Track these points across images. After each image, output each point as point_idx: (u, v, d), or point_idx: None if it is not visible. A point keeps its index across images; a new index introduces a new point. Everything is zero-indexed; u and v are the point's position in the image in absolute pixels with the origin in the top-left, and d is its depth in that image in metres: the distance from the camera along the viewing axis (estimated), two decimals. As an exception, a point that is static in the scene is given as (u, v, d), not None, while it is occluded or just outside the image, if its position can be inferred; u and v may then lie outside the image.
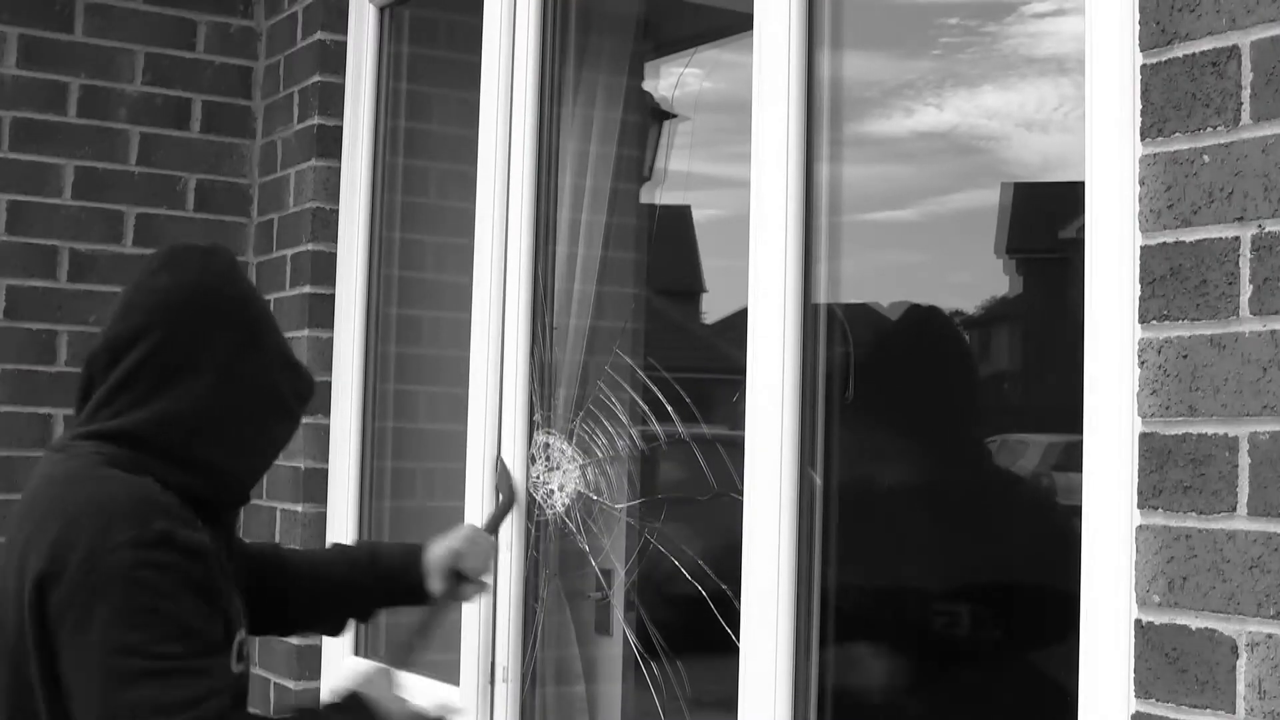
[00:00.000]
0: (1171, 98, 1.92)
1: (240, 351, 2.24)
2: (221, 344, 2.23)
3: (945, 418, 3.15)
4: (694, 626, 2.94)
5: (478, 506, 3.35)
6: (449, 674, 3.39)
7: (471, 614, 3.33)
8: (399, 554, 2.76)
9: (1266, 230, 1.80)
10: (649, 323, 3.61)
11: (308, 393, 2.40)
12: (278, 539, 4.11)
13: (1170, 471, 1.89)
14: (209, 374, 2.21)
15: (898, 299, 3.05)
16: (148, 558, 2.05)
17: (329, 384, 4.05)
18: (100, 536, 2.06)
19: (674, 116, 3.61)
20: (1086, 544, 2.02)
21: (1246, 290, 1.82)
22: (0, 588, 2.16)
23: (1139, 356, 1.94)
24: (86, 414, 2.26)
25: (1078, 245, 2.07)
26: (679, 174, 3.64)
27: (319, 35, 4.12)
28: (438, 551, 2.75)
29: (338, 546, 2.95)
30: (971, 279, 3.10)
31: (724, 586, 2.81)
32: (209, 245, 2.40)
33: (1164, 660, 1.87)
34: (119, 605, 2.02)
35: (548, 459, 3.29)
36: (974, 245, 3.03)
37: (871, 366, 2.76)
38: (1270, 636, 1.76)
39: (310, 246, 4.09)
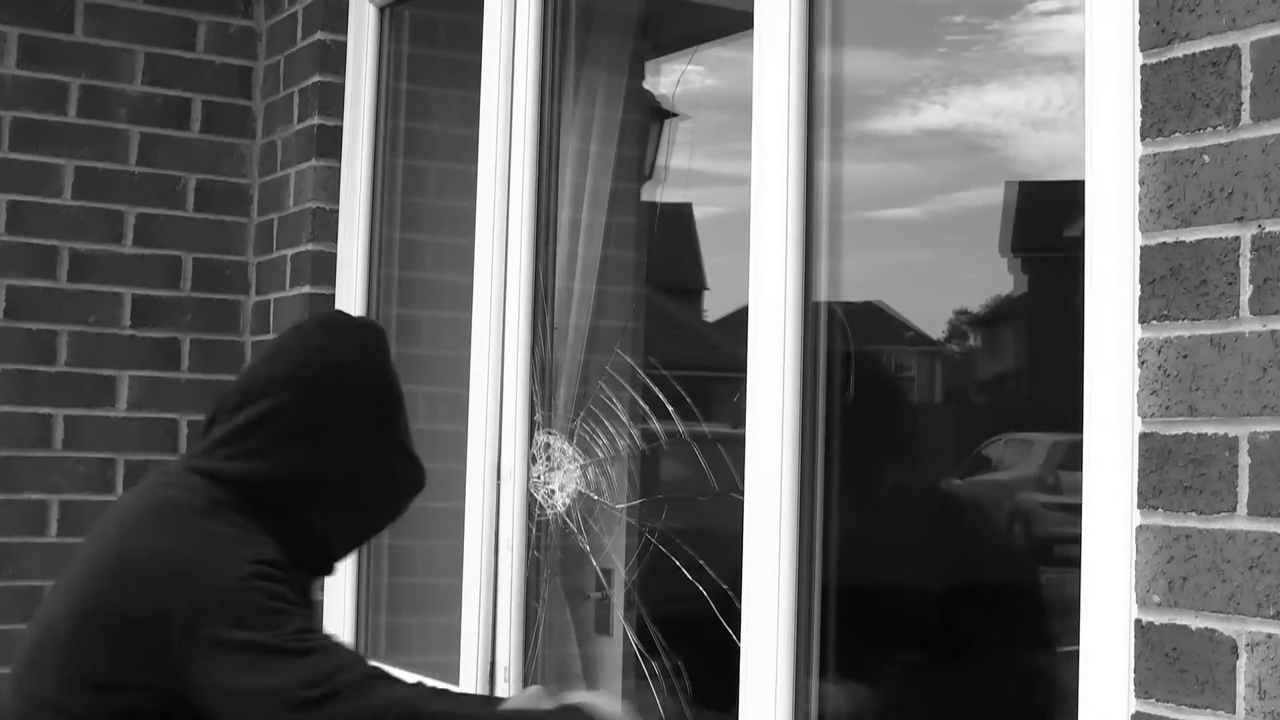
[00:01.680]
0: (1171, 98, 1.92)
1: (368, 432, 2.28)
2: (352, 420, 2.26)
3: (944, 419, 3.15)
4: (694, 626, 2.93)
5: (478, 507, 3.35)
6: (449, 674, 3.39)
7: (472, 613, 3.33)
8: None
9: (1266, 230, 1.80)
10: (649, 322, 3.61)
11: (420, 486, 2.42)
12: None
13: (1170, 471, 1.88)
14: (332, 445, 2.25)
15: (900, 297, 3.05)
16: (262, 571, 2.11)
17: (330, 384, 4.05)
18: (215, 566, 2.10)
19: (675, 115, 3.61)
20: (1086, 544, 2.01)
21: (1246, 290, 1.81)
22: (72, 588, 2.19)
23: (1139, 356, 1.94)
24: (204, 449, 2.28)
25: (1082, 244, 2.07)
26: (680, 172, 3.64)
27: (319, 35, 4.12)
28: None
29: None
30: (976, 277, 3.10)
31: (724, 586, 2.81)
32: (368, 321, 2.47)
33: (1164, 660, 1.87)
34: (244, 613, 2.06)
35: (548, 459, 3.28)
36: (979, 243, 3.03)
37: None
38: (1270, 636, 1.75)
39: (310, 246, 4.09)
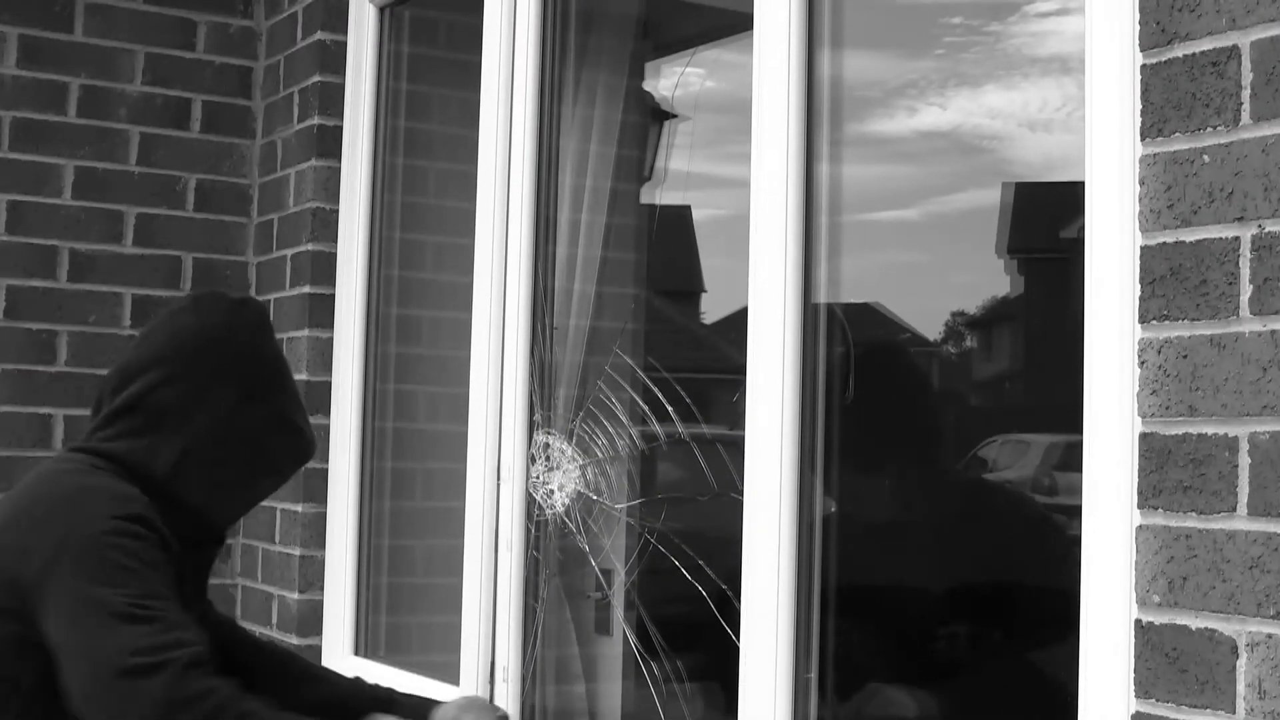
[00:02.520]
0: (1171, 98, 1.92)
1: (238, 406, 2.32)
2: (221, 395, 2.31)
3: (944, 419, 3.15)
4: (694, 626, 2.94)
5: (478, 507, 3.35)
6: (449, 674, 3.40)
7: (472, 613, 3.33)
8: (414, 706, 2.62)
9: (1266, 230, 1.80)
10: (649, 323, 3.61)
11: (304, 457, 2.46)
12: (277, 539, 4.11)
13: (1170, 471, 1.89)
14: (201, 421, 2.30)
15: (898, 299, 3.05)
16: (124, 528, 2.15)
17: (329, 384, 4.05)
18: (79, 513, 2.17)
19: (674, 116, 3.61)
20: (1086, 544, 2.01)
21: (1246, 290, 1.81)
22: None
23: (1139, 356, 1.94)
24: (88, 432, 2.36)
25: (1079, 245, 2.07)
26: (679, 174, 3.64)
27: (319, 35, 4.12)
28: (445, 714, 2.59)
29: (358, 679, 2.79)
30: (973, 279, 3.10)
31: (724, 586, 2.81)
32: (242, 297, 2.49)
33: (1164, 660, 1.87)
34: (95, 568, 2.11)
35: (548, 459, 3.29)
36: (975, 245, 3.03)
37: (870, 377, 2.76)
38: (1270, 636, 1.76)
39: (310, 246, 4.09)
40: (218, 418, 2.30)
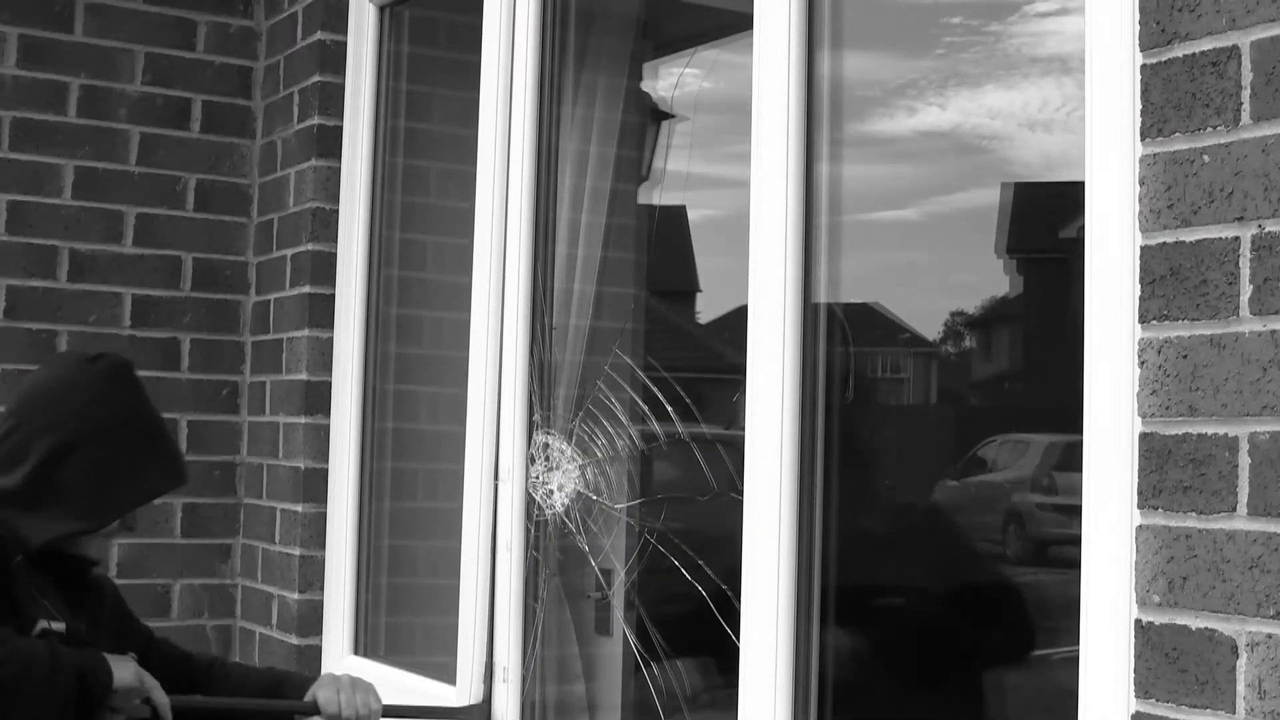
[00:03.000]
0: (1171, 98, 1.92)
1: (53, 455, 2.51)
2: (43, 444, 2.51)
3: (942, 420, 3.15)
4: (694, 626, 2.94)
5: (475, 507, 3.35)
6: (449, 675, 3.39)
7: (469, 614, 3.33)
8: (296, 685, 2.80)
9: (1266, 230, 1.80)
10: (648, 323, 3.61)
11: (112, 515, 2.58)
12: (277, 539, 4.11)
13: (1170, 471, 1.89)
14: (27, 466, 2.50)
15: (898, 299, 3.05)
16: None
17: (329, 384, 4.05)
18: None
19: (673, 117, 3.61)
20: (1086, 544, 2.01)
21: (1246, 290, 1.81)
22: None
23: (1139, 356, 1.94)
24: None
25: (1078, 245, 2.07)
26: (678, 174, 3.64)
27: (319, 35, 4.12)
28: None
29: (272, 668, 3.21)
30: (972, 279, 3.10)
31: (724, 586, 2.81)
32: (96, 355, 2.66)
33: (1164, 660, 1.87)
34: None
35: (547, 459, 3.28)
36: (975, 245, 3.03)
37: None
38: (1270, 636, 1.76)
39: (310, 246, 4.09)
40: (39, 464, 2.50)
